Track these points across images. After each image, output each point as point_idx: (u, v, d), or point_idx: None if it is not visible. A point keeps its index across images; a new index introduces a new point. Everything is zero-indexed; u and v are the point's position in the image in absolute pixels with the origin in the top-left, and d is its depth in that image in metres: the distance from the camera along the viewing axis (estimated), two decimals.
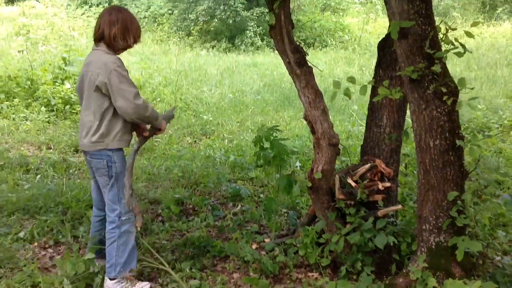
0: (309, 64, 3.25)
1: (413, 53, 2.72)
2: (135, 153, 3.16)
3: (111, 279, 3.17)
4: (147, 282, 3.27)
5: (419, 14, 2.69)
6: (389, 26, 2.75)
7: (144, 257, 3.49)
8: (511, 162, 5.46)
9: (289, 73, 3.29)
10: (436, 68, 2.69)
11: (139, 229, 3.18)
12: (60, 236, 3.96)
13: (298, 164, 5.44)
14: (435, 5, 21.77)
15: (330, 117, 7.30)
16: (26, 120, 7.13)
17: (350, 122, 7.27)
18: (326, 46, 15.75)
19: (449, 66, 9.64)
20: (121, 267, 3.16)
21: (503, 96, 8.73)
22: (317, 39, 16.13)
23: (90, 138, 3.06)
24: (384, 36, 3.36)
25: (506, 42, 15.06)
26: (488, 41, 15.32)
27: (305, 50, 3.31)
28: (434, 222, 2.86)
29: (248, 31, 15.56)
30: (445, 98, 2.70)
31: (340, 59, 13.11)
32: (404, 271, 2.96)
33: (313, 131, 3.26)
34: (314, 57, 13.50)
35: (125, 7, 17.84)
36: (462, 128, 6.12)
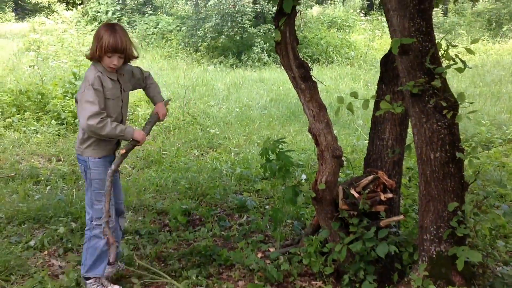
0: (314, 79, 3.35)
1: (414, 68, 2.83)
2: (112, 173, 3.18)
3: (85, 278, 3.37)
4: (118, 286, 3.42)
5: (420, 32, 2.79)
6: (391, 43, 2.86)
7: (149, 266, 3.58)
8: None
9: (294, 88, 3.40)
10: (436, 83, 2.79)
11: (111, 261, 3.24)
12: (69, 245, 4.06)
13: (304, 176, 5.52)
14: (441, 22, 21.95)
15: (336, 131, 7.42)
16: (37, 133, 7.27)
17: (355, 136, 7.36)
18: (332, 62, 15.89)
19: (454, 82, 9.76)
20: (88, 268, 3.33)
21: (507, 112, 8.79)
22: (323, 55, 16.28)
23: (76, 143, 3.32)
24: (386, 52, 3.47)
25: (511, 59, 15.15)
26: (494, 58, 15.44)
27: (310, 65, 3.42)
28: (435, 232, 2.94)
29: (255, 47, 15.74)
30: (445, 112, 2.80)
31: (345, 75, 13.22)
32: (406, 279, 3.04)
33: (317, 144, 3.36)
34: (320, 73, 13.64)
35: (134, 23, 18.07)
36: (463, 142, 6.19)
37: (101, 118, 3.08)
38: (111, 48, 3.12)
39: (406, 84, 2.84)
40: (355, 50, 16.80)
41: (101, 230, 3.24)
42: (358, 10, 23.22)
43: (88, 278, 3.36)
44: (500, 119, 8.14)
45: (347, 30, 20.22)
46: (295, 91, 3.45)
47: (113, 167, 3.20)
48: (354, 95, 3.12)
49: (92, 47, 3.18)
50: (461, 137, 6.77)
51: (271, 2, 3.92)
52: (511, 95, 10.20)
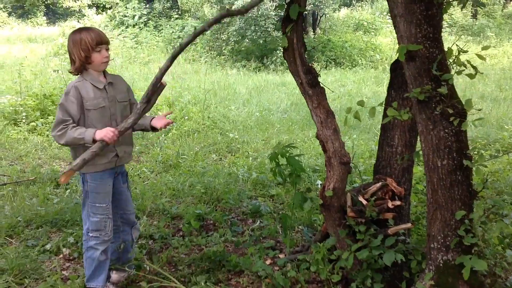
0: (321, 85, 3.35)
1: (420, 75, 2.80)
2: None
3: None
4: None
5: (427, 38, 2.76)
6: (397, 49, 2.83)
7: (160, 270, 3.62)
8: None
9: (301, 94, 3.40)
10: (443, 89, 2.75)
11: None
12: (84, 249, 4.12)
13: (319, 182, 5.51)
14: (470, 24, 21.61)
15: (355, 135, 7.37)
16: None
17: (374, 141, 7.30)
18: (356, 65, 15.80)
19: (479, 86, 9.60)
20: (88, 278, 3.37)
21: None
22: (347, 58, 16.21)
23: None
24: (396, 58, 3.44)
25: None
26: None
27: (318, 71, 3.42)
28: (442, 240, 2.90)
29: (278, 51, 15.76)
30: (452, 119, 2.76)
31: (369, 79, 13.13)
32: None
33: (324, 150, 3.35)
34: (343, 76, 13.60)
35: (161, 27, 18.26)
36: (483, 147, 6.06)
37: (63, 125, 3.01)
38: (96, 40, 3.07)
39: (413, 91, 2.82)
40: (381, 53, 16.69)
41: (97, 241, 3.28)
42: (385, 13, 23.02)
43: None
44: None
45: (373, 33, 20.11)
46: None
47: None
48: (361, 103, 3.10)
49: (74, 58, 3.09)
50: (482, 142, 6.69)
51: (279, 8, 3.92)
52: None
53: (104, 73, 3.24)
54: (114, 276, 3.62)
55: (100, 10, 31.60)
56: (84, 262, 3.41)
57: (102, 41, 3.11)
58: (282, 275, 3.48)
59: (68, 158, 6.60)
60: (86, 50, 3.06)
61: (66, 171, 2.90)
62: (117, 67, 13.26)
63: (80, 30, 3.17)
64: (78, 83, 3.09)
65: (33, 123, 7.73)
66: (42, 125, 7.70)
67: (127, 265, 3.56)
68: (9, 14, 34.61)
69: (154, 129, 3.35)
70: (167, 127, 3.40)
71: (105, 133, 2.97)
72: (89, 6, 34.17)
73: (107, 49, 3.16)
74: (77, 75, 3.17)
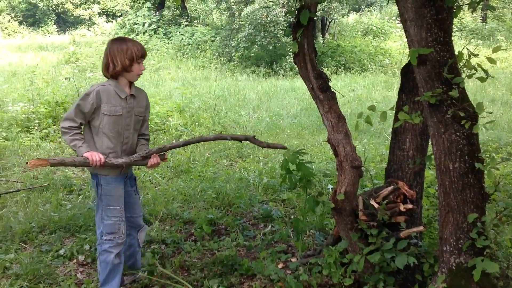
0: (332, 90, 3.37)
1: (431, 78, 2.81)
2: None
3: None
4: None
5: (437, 42, 2.77)
6: (408, 53, 2.85)
7: (172, 275, 3.64)
8: None
9: (312, 98, 3.42)
10: (454, 93, 2.76)
11: None
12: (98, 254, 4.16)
13: (330, 186, 5.52)
14: (479, 28, 21.54)
15: (366, 140, 7.37)
16: None
17: (385, 145, 7.30)
18: (365, 70, 15.80)
19: (490, 89, 9.58)
20: (102, 283, 3.41)
21: None
22: (357, 63, 16.21)
23: None
24: (406, 62, 3.46)
25: None
26: None
27: (329, 75, 3.44)
28: (454, 243, 2.90)
29: (287, 57, 15.81)
30: (463, 122, 2.77)
31: (379, 83, 13.13)
32: None
33: (336, 154, 3.36)
34: (353, 81, 13.60)
35: (170, 34, 18.37)
36: (494, 150, 6.04)
37: (70, 126, 3.17)
38: (141, 54, 3.27)
39: (424, 94, 2.83)
40: (390, 58, 16.68)
41: (111, 245, 3.33)
42: (394, 17, 23.02)
43: None
44: None
45: (382, 38, 20.11)
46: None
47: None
48: (372, 108, 3.12)
49: (114, 63, 3.22)
50: (494, 145, 6.67)
51: (289, 14, 3.99)
52: None
53: (131, 85, 3.36)
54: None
55: (110, 18, 31.88)
56: (98, 267, 3.46)
57: (144, 55, 3.32)
58: (294, 278, 3.50)
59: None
60: (131, 59, 3.22)
61: (42, 159, 3.02)
62: None
63: (125, 39, 3.32)
64: (101, 87, 3.22)
65: (45, 130, 7.82)
66: (54, 132, 7.79)
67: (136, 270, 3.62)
68: (20, 23, 35.02)
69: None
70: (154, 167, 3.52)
71: (94, 156, 3.12)
72: (99, 14, 34.50)
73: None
74: (109, 77, 3.29)
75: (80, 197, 5.47)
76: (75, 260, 4.09)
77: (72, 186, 5.79)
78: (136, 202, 3.62)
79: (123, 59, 3.20)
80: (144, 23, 20.74)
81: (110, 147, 3.27)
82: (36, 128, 7.90)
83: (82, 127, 3.27)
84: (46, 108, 8.31)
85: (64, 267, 3.98)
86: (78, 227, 4.63)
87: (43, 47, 22.40)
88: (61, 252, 4.19)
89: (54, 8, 36.35)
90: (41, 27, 35.08)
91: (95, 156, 3.11)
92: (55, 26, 35.42)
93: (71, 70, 12.05)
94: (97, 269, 3.50)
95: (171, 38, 19.70)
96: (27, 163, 3.10)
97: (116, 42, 3.29)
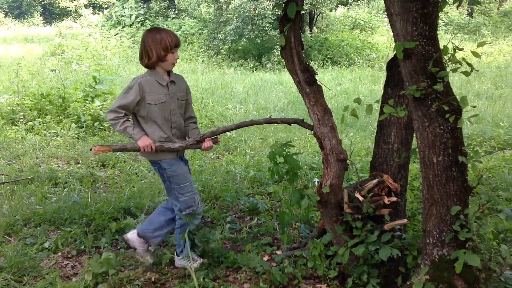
0: (319, 83, 3.38)
1: (416, 72, 2.83)
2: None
3: (177, 255, 3.82)
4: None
5: (423, 36, 2.79)
6: (394, 47, 2.87)
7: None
8: None
9: (299, 92, 3.43)
10: (439, 86, 2.78)
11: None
12: (83, 247, 4.15)
13: (316, 179, 5.54)
14: (466, 22, 21.68)
15: (352, 134, 7.40)
16: (57, 136, 7.45)
17: (370, 139, 7.34)
18: (352, 64, 15.85)
19: (475, 84, 9.64)
20: (178, 253, 3.80)
21: None
22: (344, 57, 16.25)
23: None
24: (392, 56, 3.48)
25: None
26: None
27: (316, 69, 3.45)
28: (437, 235, 2.93)
29: (275, 50, 15.80)
30: (447, 115, 2.79)
31: (365, 77, 13.18)
32: (408, 283, 3.04)
33: (322, 147, 3.38)
34: (340, 75, 13.63)
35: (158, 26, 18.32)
36: (479, 143, 6.09)
37: (115, 116, 3.39)
38: (175, 43, 3.44)
39: (409, 88, 2.85)
40: (377, 52, 16.74)
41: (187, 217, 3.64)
42: (381, 12, 23.08)
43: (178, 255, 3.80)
44: None
45: (369, 32, 20.16)
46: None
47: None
48: (358, 101, 3.13)
49: (149, 54, 3.41)
50: (478, 139, 6.74)
51: (276, 7, 3.96)
52: None
53: (169, 72, 3.55)
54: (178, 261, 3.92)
55: (96, 10, 31.60)
56: (176, 236, 3.80)
57: (178, 44, 3.50)
58: (279, 271, 3.52)
59: (66, 158, 6.62)
60: (166, 49, 3.41)
61: (105, 145, 3.30)
62: (114, 66, 13.28)
63: (159, 30, 3.50)
64: (143, 79, 3.44)
65: (30, 123, 7.75)
66: (40, 124, 7.72)
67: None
68: (6, 14, 34.61)
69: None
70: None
71: (145, 143, 3.39)
72: (86, 6, 34.17)
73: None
74: (147, 67, 3.50)
75: (65, 190, 5.44)
76: (59, 253, 4.08)
77: (57, 179, 5.76)
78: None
79: (158, 50, 3.39)
80: (131, 15, 20.58)
81: (162, 135, 3.49)
82: (21, 120, 7.83)
83: (127, 117, 3.47)
84: (32, 101, 8.24)
85: (48, 260, 3.97)
86: (63, 220, 4.61)
87: (29, 39, 22.18)
88: (46, 245, 4.18)
89: (40, 0, 35.96)
90: (27, 18, 34.68)
91: (147, 145, 3.37)
92: (41, 18, 35.04)
93: (56, 62, 11.92)
94: (175, 238, 3.83)
95: None
96: (91, 149, 3.30)
97: (151, 33, 3.46)
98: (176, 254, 3.82)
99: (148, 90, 3.41)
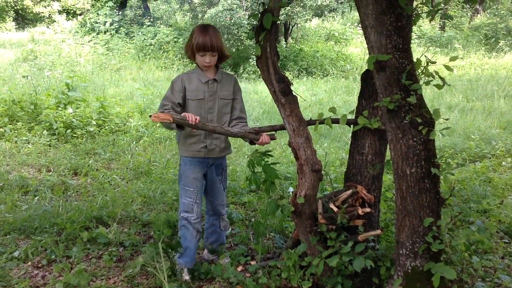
0: (294, 94, 3.39)
1: (390, 84, 2.86)
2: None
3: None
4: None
5: (397, 48, 2.83)
6: (367, 59, 2.90)
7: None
8: (499, 191, 5.54)
9: (274, 102, 3.44)
10: (412, 99, 2.81)
11: None
12: (53, 256, 4.07)
13: (291, 189, 5.54)
14: (438, 36, 22.08)
15: (326, 144, 7.42)
16: (28, 143, 7.31)
17: (345, 150, 7.39)
18: (327, 75, 15.98)
19: (447, 97, 9.79)
20: (179, 255, 3.81)
21: (497, 127, 8.84)
22: (319, 68, 16.38)
23: None
24: (367, 68, 3.52)
25: (506, 73, 15.25)
26: (488, 73, 15.52)
27: (291, 79, 3.47)
28: (410, 247, 2.96)
29: (251, 60, 15.84)
30: (420, 128, 2.83)
31: (340, 88, 13.29)
32: None
33: (296, 158, 3.38)
34: (315, 86, 13.73)
35: (132, 34, 18.12)
36: (450, 156, 6.19)
37: (162, 109, 3.44)
38: (200, 47, 3.46)
39: (383, 100, 2.88)
40: (351, 63, 16.91)
41: (186, 222, 3.71)
42: (356, 24, 23.36)
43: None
44: (490, 134, 8.18)
45: (343, 43, 20.37)
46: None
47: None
48: (333, 110, 3.16)
49: (186, 51, 3.60)
50: (450, 151, 6.84)
51: (252, 17, 4.00)
52: (503, 110, 10.26)
53: (217, 70, 3.64)
54: (205, 253, 4.12)
55: (70, 16, 31.25)
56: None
57: (203, 49, 3.47)
58: (253, 281, 3.50)
59: (37, 165, 6.50)
60: (192, 48, 3.51)
61: (166, 113, 3.19)
62: (87, 73, 13.12)
63: (200, 29, 3.53)
64: (185, 75, 3.61)
65: (1, 129, 7.59)
66: (11, 131, 7.57)
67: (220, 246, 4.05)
68: None
69: (252, 142, 3.66)
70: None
71: (192, 117, 3.26)
72: (59, 12, 33.75)
73: (213, 55, 3.52)
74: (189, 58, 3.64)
75: (36, 198, 5.34)
76: (30, 263, 3.99)
77: (28, 186, 5.65)
78: (220, 191, 3.89)
79: (187, 49, 3.56)
80: (105, 22, 20.37)
81: (195, 131, 3.53)
82: None
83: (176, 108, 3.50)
84: (2, 107, 8.07)
85: (18, 269, 3.89)
86: (34, 228, 4.53)
87: (0, 44, 21.77)
88: (16, 254, 4.09)
89: (13, 5, 35.40)
90: None
91: (192, 117, 3.26)
92: (13, 23, 34.46)
93: (29, 68, 11.75)
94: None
95: (133, 38, 19.41)
96: (150, 116, 3.22)
97: (195, 27, 3.57)
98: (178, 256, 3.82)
99: (188, 86, 3.53)
